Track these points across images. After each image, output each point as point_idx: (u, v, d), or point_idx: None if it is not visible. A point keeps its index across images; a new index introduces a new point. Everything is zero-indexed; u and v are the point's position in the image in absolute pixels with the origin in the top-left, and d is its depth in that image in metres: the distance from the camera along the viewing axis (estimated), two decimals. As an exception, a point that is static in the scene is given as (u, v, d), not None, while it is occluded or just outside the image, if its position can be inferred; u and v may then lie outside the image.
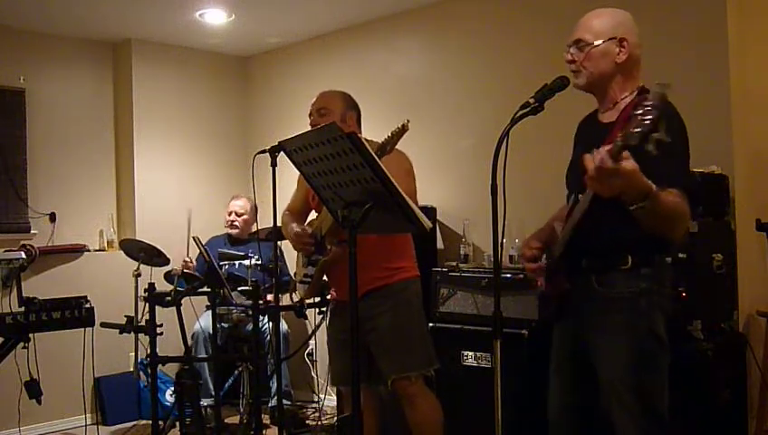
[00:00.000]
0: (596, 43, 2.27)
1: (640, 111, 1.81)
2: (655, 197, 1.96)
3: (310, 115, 3.16)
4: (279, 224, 3.31)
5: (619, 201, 1.99)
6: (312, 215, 3.32)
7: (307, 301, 3.54)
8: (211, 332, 4.26)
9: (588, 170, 1.93)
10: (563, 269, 2.32)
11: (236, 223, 5.11)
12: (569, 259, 2.30)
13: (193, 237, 4.11)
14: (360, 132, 3.18)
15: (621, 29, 2.28)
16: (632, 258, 2.20)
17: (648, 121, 1.79)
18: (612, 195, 1.97)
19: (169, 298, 3.66)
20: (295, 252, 3.31)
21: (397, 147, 2.76)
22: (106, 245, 5.25)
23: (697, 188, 2.22)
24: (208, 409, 4.46)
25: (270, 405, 4.74)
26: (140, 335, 3.87)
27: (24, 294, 3.44)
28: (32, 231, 4.99)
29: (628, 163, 1.88)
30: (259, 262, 4.38)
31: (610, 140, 2.14)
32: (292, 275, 3.73)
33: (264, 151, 3.14)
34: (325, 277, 3.21)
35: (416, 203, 3.04)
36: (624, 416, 2.21)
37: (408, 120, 2.61)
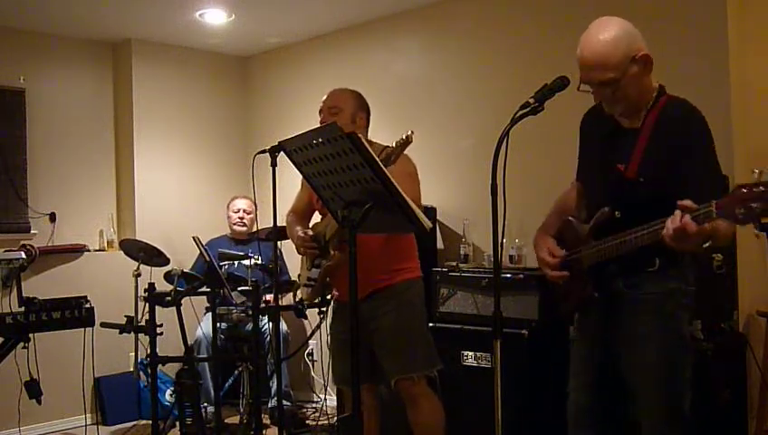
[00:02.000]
0: (621, 76, 2.15)
1: (752, 196, 1.86)
2: (715, 233, 1.96)
3: (320, 112, 3.12)
4: (281, 224, 3.30)
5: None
6: (316, 216, 3.32)
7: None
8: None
9: (666, 229, 1.94)
10: (592, 278, 2.29)
11: (245, 220, 5.15)
12: (597, 265, 2.27)
13: (193, 237, 4.11)
14: (368, 134, 3.17)
15: (632, 46, 2.16)
16: (659, 260, 2.18)
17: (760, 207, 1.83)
18: (690, 250, 2.02)
19: (169, 298, 3.66)
20: (297, 254, 3.31)
21: None
22: (106, 245, 5.24)
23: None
24: (208, 409, 4.46)
25: (270, 405, 4.75)
26: (140, 335, 3.88)
27: (23, 294, 3.43)
28: (32, 231, 4.99)
29: (709, 225, 1.90)
30: (259, 262, 4.38)
31: (631, 157, 2.18)
32: (297, 277, 3.72)
33: (264, 151, 3.12)
34: (327, 279, 3.21)
35: (420, 207, 3.05)
36: (648, 419, 2.21)
37: (413, 132, 2.55)
